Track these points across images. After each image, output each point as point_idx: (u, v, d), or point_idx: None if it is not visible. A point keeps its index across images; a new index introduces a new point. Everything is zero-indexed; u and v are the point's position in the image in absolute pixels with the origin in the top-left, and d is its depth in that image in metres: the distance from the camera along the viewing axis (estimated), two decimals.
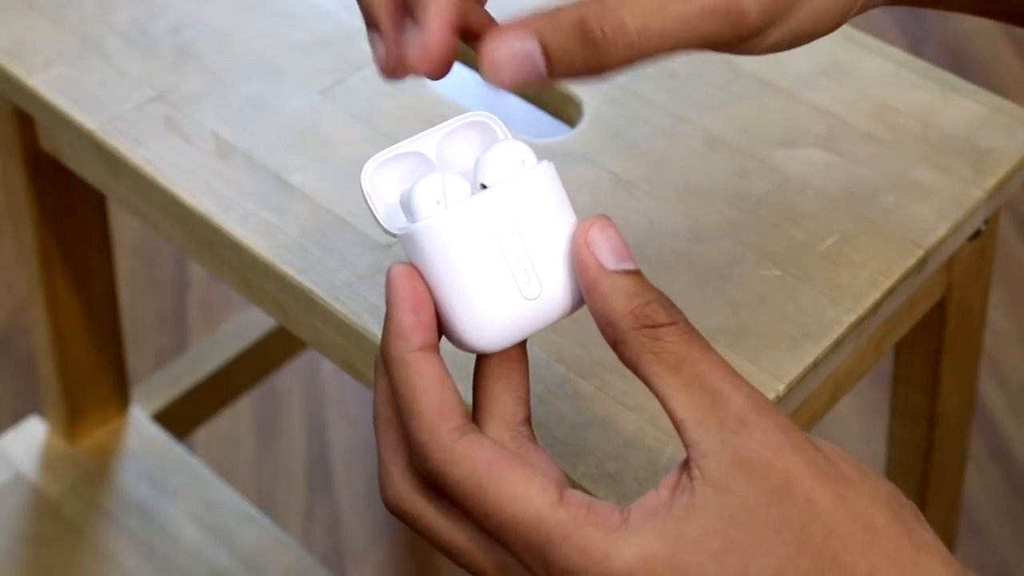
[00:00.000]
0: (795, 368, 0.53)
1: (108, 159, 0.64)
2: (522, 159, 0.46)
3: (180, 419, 1.07)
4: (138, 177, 0.63)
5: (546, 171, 0.46)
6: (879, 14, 1.73)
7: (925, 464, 0.78)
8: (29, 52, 0.69)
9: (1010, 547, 1.20)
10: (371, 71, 0.67)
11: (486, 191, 0.45)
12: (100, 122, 0.65)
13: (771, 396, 0.52)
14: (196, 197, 0.61)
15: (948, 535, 0.85)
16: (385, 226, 0.46)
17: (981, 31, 1.71)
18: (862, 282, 0.56)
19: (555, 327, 0.55)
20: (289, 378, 1.36)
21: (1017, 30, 1.70)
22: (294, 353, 1.16)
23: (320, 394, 1.34)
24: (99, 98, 0.66)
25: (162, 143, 0.64)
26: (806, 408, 0.58)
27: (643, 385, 0.52)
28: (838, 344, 0.54)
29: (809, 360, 0.53)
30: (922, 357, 0.73)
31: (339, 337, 0.57)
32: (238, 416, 1.32)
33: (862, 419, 1.29)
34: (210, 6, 0.71)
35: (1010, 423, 1.30)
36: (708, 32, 0.45)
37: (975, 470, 1.25)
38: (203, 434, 1.30)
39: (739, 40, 0.46)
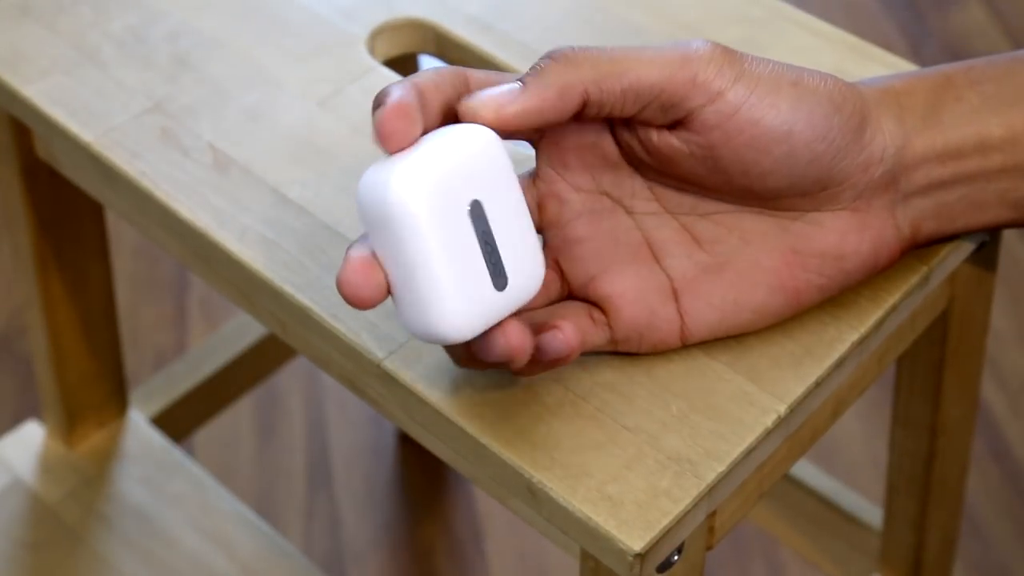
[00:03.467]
0: (797, 388, 0.53)
1: (104, 171, 0.64)
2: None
3: (180, 421, 1.06)
4: (134, 190, 0.62)
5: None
6: (878, 15, 1.73)
7: (927, 473, 0.77)
8: (24, 61, 0.68)
9: (1010, 547, 1.19)
10: (370, 81, 0.66)
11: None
12: (96, 134, 0.64)
13: (772, 417, 0.52)
14: (193, 211, 0.61)
15: (949, 542, 0.84)
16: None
17: (981, 31, 1.70)
18: (864, 299, 0.56)
19: None
20: (289, 378, 1.35)
21: (1017, 31, 1.69)
22: (294, 353, 1.16)
23: (320, 394, 1.34)
24: (95, 109, 0.66)
25: (159, 155, 0.63)
26: (808, 426, 0.57)
27: (643, 406, 0.52)
28: (840, 363, 0.54)
29: (811, 380, 0.53)
30: (924, 368, 0.72)
31: (338, 355, 0.56)
32: (238, 417, 1.32)
33: (862, 419, 1.29)
34: (207, 14, 0.70)
35: (1010, 423, 1.29)
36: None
37: (975, 470, 1.25)
38: (203, 435, 1.30)
39: None
